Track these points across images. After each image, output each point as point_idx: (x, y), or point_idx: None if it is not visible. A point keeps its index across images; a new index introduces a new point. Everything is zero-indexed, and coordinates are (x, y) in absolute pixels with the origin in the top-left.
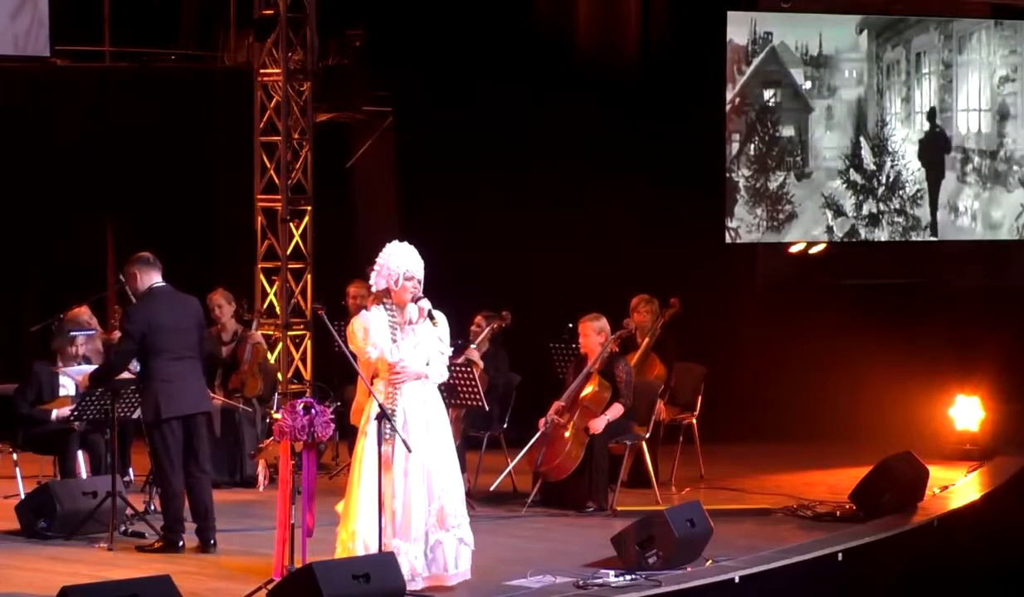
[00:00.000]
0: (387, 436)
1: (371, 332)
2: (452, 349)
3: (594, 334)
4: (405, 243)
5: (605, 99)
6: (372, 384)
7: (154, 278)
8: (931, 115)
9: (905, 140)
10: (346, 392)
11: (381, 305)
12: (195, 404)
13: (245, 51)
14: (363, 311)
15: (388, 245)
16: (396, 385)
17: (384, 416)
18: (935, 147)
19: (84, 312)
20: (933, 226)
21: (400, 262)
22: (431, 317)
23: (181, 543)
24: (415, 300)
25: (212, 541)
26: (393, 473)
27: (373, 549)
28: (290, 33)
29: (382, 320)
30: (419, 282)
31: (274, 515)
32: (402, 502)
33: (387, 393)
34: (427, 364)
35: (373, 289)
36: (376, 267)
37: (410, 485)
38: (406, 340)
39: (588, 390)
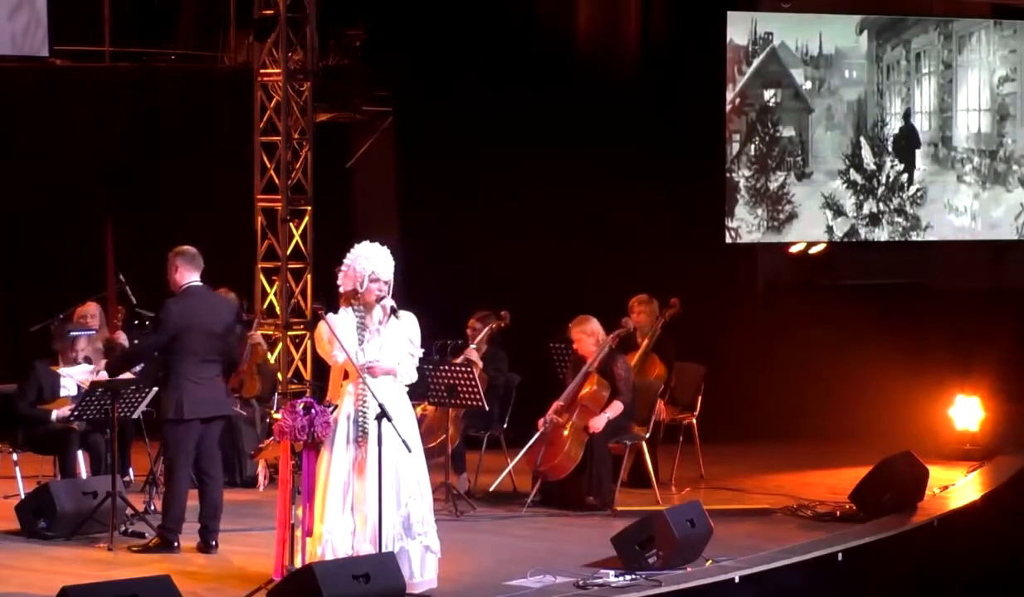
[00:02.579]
0: (359, 438)
1: (337, 335)
2: (423, 351)
3: (586, 336)
4: (375, 244)
5: (605, 99)
6: (342, 385)
7: (194, 276)
8: (906, 115)
9: None
10: None
11: (350, 307)
12: (217, 407)
13: (245, 51)
14: (330, 314)
15: (356, 246)
16: (365, 386)
17: (384, 416)
18: (907, 143)
19: (92, 308)
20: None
21: (365, 264)
22: (394, 313)
23: (177, 543)
24: (380, 301)
25: (214, 542)
26: (364, 477)
27: (341, 553)
28: (290, 33)
29: (349, 322)
30: (386, 284)
31: (274, 515)
32: (373, 508)
33: (356, 395)
34: (397, 364)
35: (340, 290)
36: (343, 268)
37: (380, 490)
38: (372, 343)
39: (587, 389)
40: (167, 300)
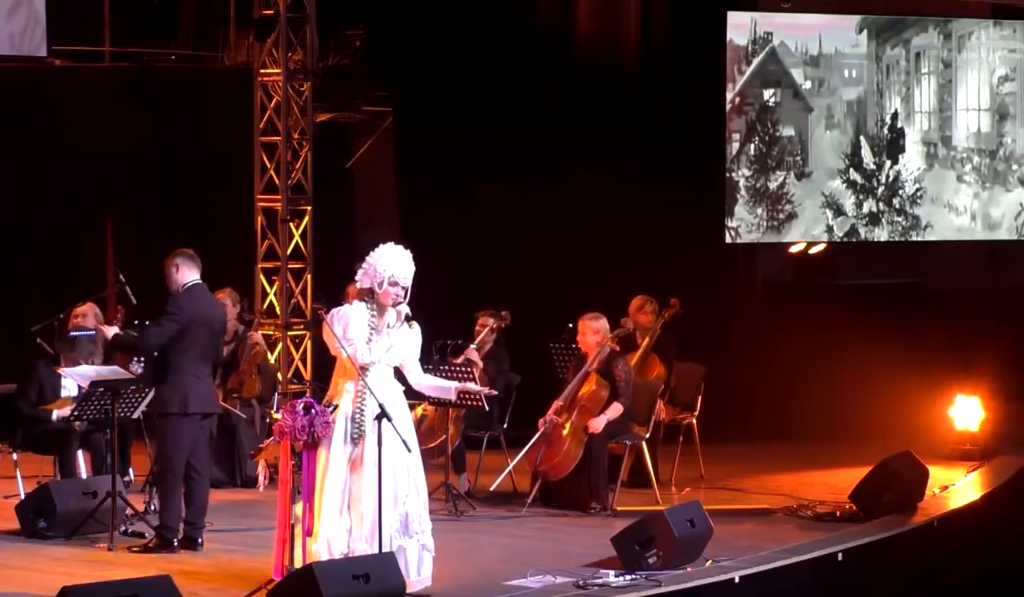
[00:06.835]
0: (355, 436)
1: (348, 329)
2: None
3: (591, 333)
4: (400, 248)
5: (605, 99)
6: (341, 384)
7: (195, 275)
8: (894, 116)
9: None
10: None
11: (363, 302)
12: (213, 405)
13: (245, 51)
14: (343, 306)
15: (382, 246)
16: (364, 385)
17: (384, 415)
18: (894, 146)
19: (90, 309)
20: None
21: (388, 266)
22: (408, 321)
23: (176, 543)
24: (395, 305)
25: (200, 539)
26: (360, 476)
27: (337, 553)
28: (290, 33)
29: (362, 318)
30: (404, 290)
31: (274, 515)
32: (369, 506)
33: (355, 393)
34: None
35: (358, 285)
36: (365, 265)
37: (379, 489)
38: (380, 343)
39: (586, 389)
40: (176, 293)
